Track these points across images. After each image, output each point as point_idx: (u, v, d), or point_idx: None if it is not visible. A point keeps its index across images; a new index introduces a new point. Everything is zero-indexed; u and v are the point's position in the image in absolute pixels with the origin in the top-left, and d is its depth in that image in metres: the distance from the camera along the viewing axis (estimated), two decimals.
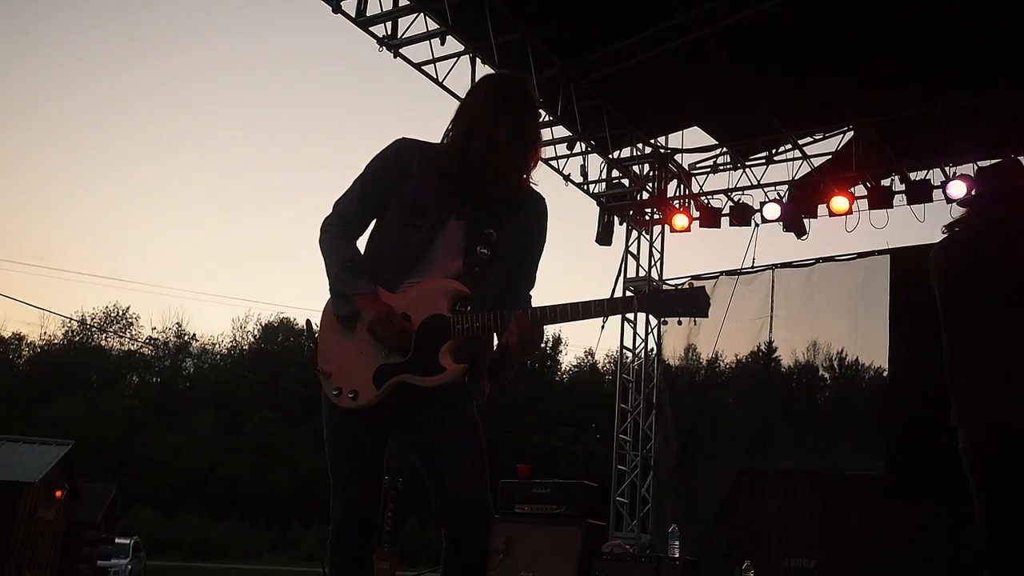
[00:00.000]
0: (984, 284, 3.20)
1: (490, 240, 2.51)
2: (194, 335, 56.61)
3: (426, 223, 2.52)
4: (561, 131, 8.65)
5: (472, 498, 2.42)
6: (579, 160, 8.94)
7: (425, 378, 2.43)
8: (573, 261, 74.50)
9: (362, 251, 2.63)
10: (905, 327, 7.96)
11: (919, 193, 7.90)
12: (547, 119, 8.32)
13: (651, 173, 9.38)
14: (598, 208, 9.27)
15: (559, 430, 46.60)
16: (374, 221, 2.64)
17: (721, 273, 8.85)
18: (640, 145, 9.32)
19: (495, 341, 2.53)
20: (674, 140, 9.35)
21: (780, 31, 7.56)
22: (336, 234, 2.59)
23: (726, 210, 8.94)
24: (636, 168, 9.43)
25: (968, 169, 7.83)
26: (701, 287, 2.39)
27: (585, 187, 9.17)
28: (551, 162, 8.80)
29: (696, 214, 9.08)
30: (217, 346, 56.23)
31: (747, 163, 9.11)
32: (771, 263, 8.64)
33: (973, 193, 3.57)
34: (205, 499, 43.46)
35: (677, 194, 9.36)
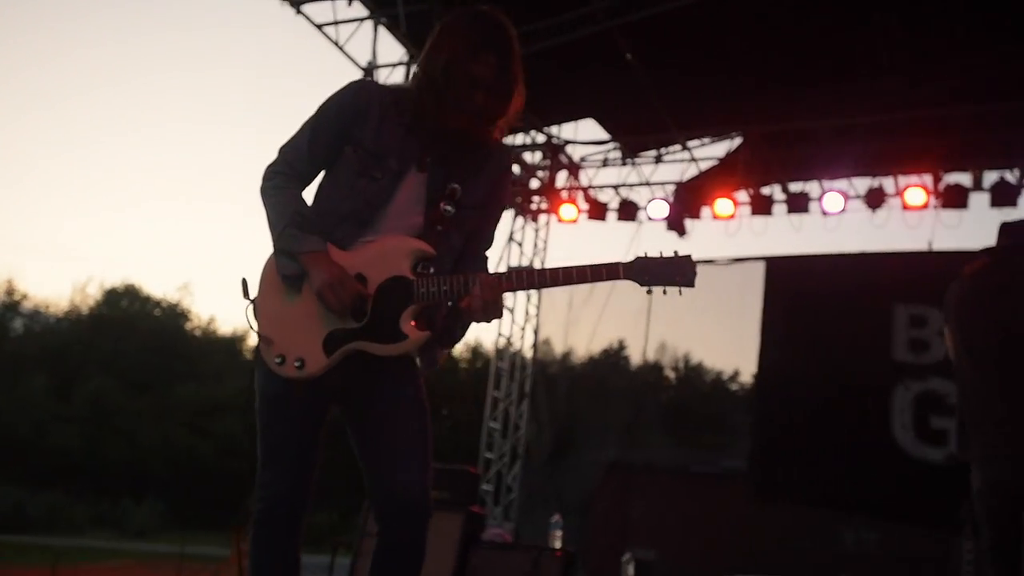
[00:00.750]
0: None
1: (455, 196, 2.31)
2: (25, 295, 52.73)
3: (386, 174, 2.30)
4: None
5: (415, 490, 2.24)
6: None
7: (384, 346, 2.22)
8: None
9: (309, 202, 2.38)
10: (777, 333, 8.32)
11: (798, 204, 8.21)
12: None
13: (542, 162, 9.37)
14: None
15: None
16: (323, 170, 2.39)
17: None
18: (533, 133, 9.28)
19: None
20: (567, 130, 9.39)
21: (685, 32, 7.68)
22: (282, 184, 2.34)
23: (614, 205, 9.03)
24: (527, 156, 9.39)
25: (844, 184, 8.22)
26: (688, 256, 2.23)
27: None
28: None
29: (584, 206, 9.13)
30: (52, 308, 52.63)
31: (636, 160, 9.24)
32: None
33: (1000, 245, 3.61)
34: (29, 468, 40.68)
35: (567, 185, 9.38)
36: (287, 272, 2.28)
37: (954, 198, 7.76)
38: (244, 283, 2.32)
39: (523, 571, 4.60)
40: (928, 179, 7.93)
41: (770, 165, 8.42)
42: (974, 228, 7.62)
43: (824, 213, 8.06)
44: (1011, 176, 7.73)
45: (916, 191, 7.84)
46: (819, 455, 7.53)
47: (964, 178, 7.86)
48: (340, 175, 2.34)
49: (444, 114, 2.25)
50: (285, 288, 2.29)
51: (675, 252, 2.23)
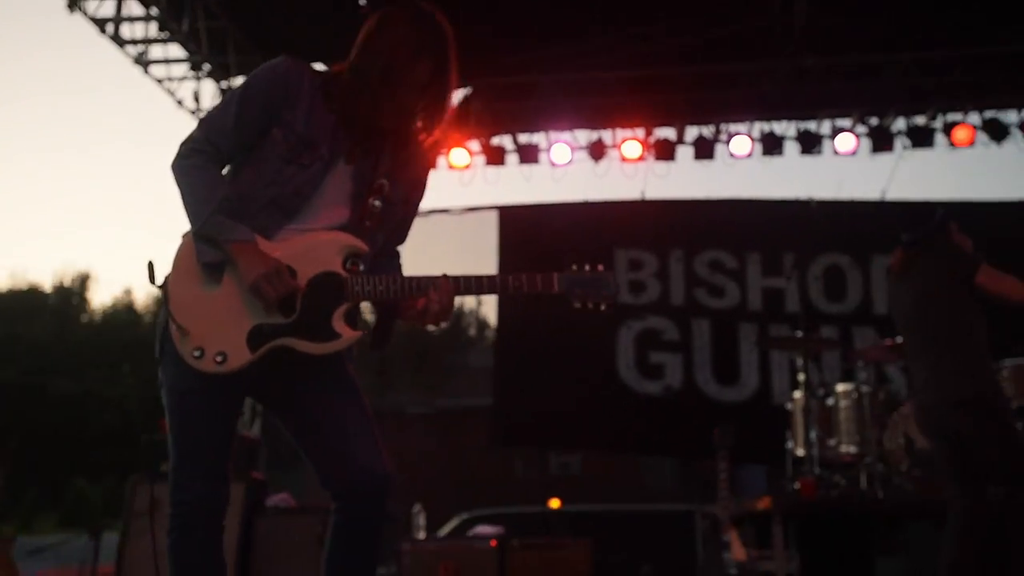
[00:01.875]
0: None
1: (383, 191, 2.24)
2: None
3: (315, 162, 2.18)
4: (180, 51, 7.76)
5: (380, 469, 2.19)
6: (194, 84, 8.13)
7: (315, 344, 2.13)
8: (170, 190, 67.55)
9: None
10: None
11: (528, 155, 8.54)
12: (166, 36, 7.44)
13: None
14: None
15: (89, 373, 42.64)
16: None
17: None
18: None
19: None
20: None
21: None
22: (203, 163, 2.15)
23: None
24: None
25: (568, 136, 8.67)
26: (611, 271, 2.35)
27: (197, 115, 8.37)
28: (164, 82, 7.87)
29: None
30: None
31: None
32: None
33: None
34: None
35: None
36: (207, 259, 2.14)
37: (663, 151, 8.49)
38: (151, 267, 2.11)
39: (315, 534, 4.48)
40: (641, 133, 8.58)
41: (500, 116, 8.64)
42: (680, 178, 8.43)
43: (552, 164, 8.46)
44: (707, 132, 8.59)
45: (631, 144, 8.48)
46: (554, 398, 7.99)
47: (670, 133, 8.60)
48: (265, 159, 2.19)
49: (379, 113, 2.18)
50: (203, 277, 2.14)
51: (599, 267, 2.33)
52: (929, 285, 4.17)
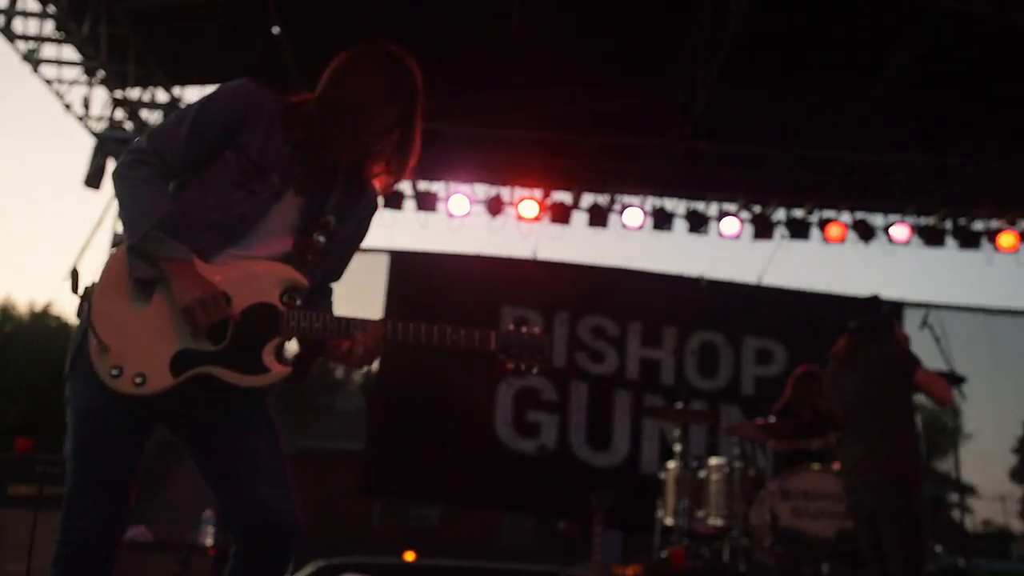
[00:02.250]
0: None
1: (328, 227, 2.18)
2: None
3: (265, 190, 2.12)
4: (75, 53, 7.43)
5: (290, 517, 2.10)
6: (85, 90, 7.79)
7: (242, 376, 2.05)
8: (55, 195, 63.32)
9: None
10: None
11: (426, 202, 8.55)
12: (61, 36, 7.13)
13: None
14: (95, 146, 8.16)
15: None
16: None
17: None
18: (156, 90, 8.45)
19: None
20: (193, 94, 8.70)
21: (336, 16, 7.57)
22: (149, 176, 2.06)
23: None
24: (145, 114, 8.52)
25: (467, 188, 8.73)
26: (546, 334, 2.33)
27: (85, 121, 8.01)
28: (54, 84, 7.51)
29: None
30: None
31: None
32: None
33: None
34: None
35: None
36: (140, 275, 2.04)
37: (558, 214, 8.67)
38: (75, 275, 2.02)
39: (172, 572, 4.24)
40: (539, 193, 8.74)
41: None
42: (573, 242, 8.62)
43: (449, 215, 8.50)
44: (602, 200, 8.84)
45: (529, 203, 8.62)
46: (428, 452, 7.88)
47: (567, 197, 8.80)
48: (213, 180, 2.12)
49: (340, 148, 2.15)
50: (131, 292, 2.04)
51: (535, 330, 2.31)
52: (874, 374, 4.53)
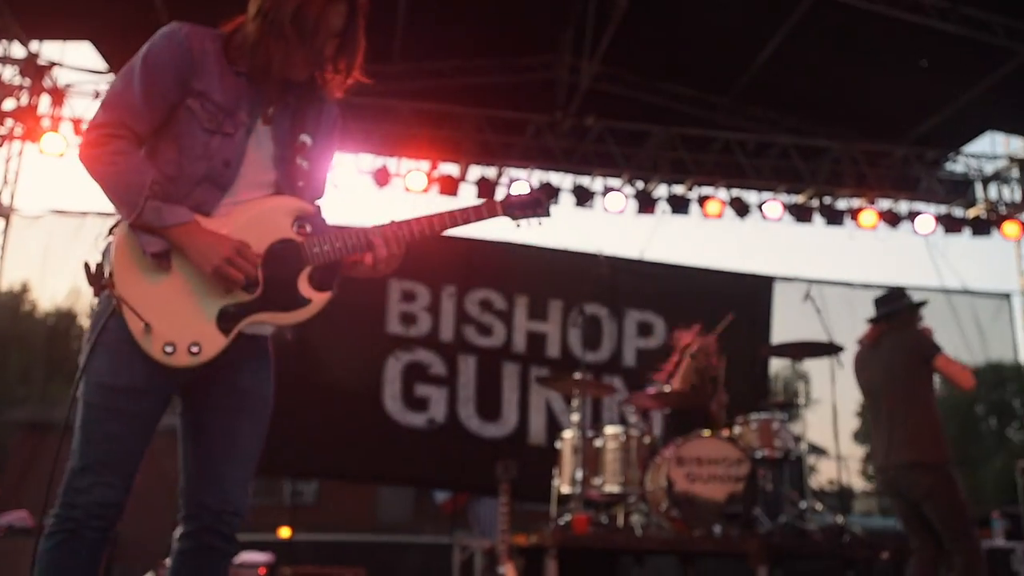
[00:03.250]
0: None
1: (305, 149, 2.14)
2: None
3: (238, 129, 2.04)
4: None
5: (240, 502, 2.09)
6: None
7: (288, 313, 2.06)
8: None
9: None
10: None
11: None
12: None
13: (21, 80, 7.95)
14: None
15: None
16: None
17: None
18: (10, 43, 7.84)
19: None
20: (53, 50, 8.12)
21: None
22: (123, 148, 1.96)
23: None
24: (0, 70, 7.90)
25: (352, 159, 8.55)
26: (543, 190, 2.42)
27: None
28: None
29: (75, 140, 8.00)
30: None
31: None
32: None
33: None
34: None
35: (50, 112, 8.11)
36: (155, 249, 1.96)
37: (446, 186, 8.63)
38: (90, 268, 1.97)
39: None
40: (426, 165, 8.67)
41: None
42: None
43: (334, 185, 8.30)
44: (490, 173, 8.86)
45: (416, 175, 8.54)
46: (312, 429, 7.69)
47: (455, 169, 8.77)
48: (184, 133, 2.02)
49: (292, 64, 2.05)
50: (146, 268, 1.97)
51: (533, 190, 2.33)
52: (895, 359, 4.84)
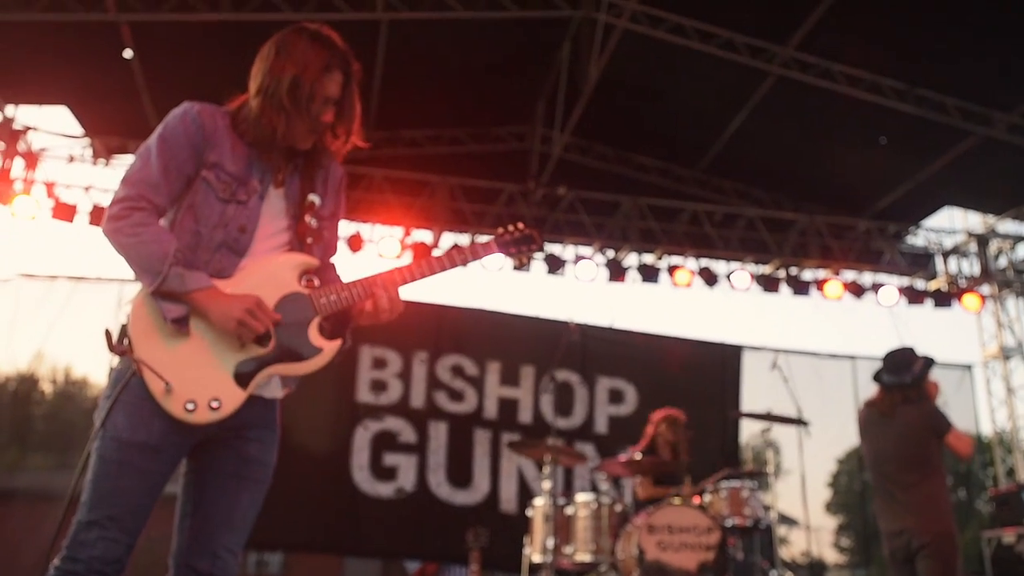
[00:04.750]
0: None
1: (315, 208, 2.25)
2: None
3: (251, 196, 2.16)
4: None
5: (227, 570, 2.12)
6: None
7: (302, 364, 2.14)
8: None
9: None
10: None
11: None
12: None
13: None
14: None
15: None
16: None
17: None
18: None
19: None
20: (28, 115, 8.18)
21: (195, 46, 7.34)
22: (145, 220, 2.06)
23: (85, 208, 8.10)
24: None
25: None
26: (536, 229, 2.51)
27: None
28: None
29: (49, 203, 8.01)
30: None
31: (112, 162, 8.44)
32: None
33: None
34: None
35: (24, 176, 8.12)
36: (175, 315, 2.07)
37: (420, 253, 8.70)
38: (110, 335, 2.04)
39: None
40: (400, 232, 8.75)
41: None
42: (433, 281, 8.62)
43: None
44: (463, 241, 8.96)
45: (389, 242, 8.61)
46: (283, 499, 7.54)
47: (428, 237, 8.86)
48: (201, 203, 2.14)
49: (293, 133, 2.18)
50: (163, 333, 2.08)
51: (520, 225, 2.47)
52: (910, 431, 4.84)
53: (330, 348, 2.17)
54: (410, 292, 2.31)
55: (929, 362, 5.06)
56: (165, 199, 2.13)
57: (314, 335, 2.17)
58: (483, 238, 8.93)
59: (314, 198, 2.27)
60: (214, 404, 2.05)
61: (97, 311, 7.82)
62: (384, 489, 7.98)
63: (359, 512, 7.84)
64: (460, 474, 8.16)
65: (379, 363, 8.35)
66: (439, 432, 8.30)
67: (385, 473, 8.02)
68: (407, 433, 8.21)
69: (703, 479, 5.94)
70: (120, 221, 2.07)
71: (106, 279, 8.07)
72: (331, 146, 2.28)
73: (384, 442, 8.11)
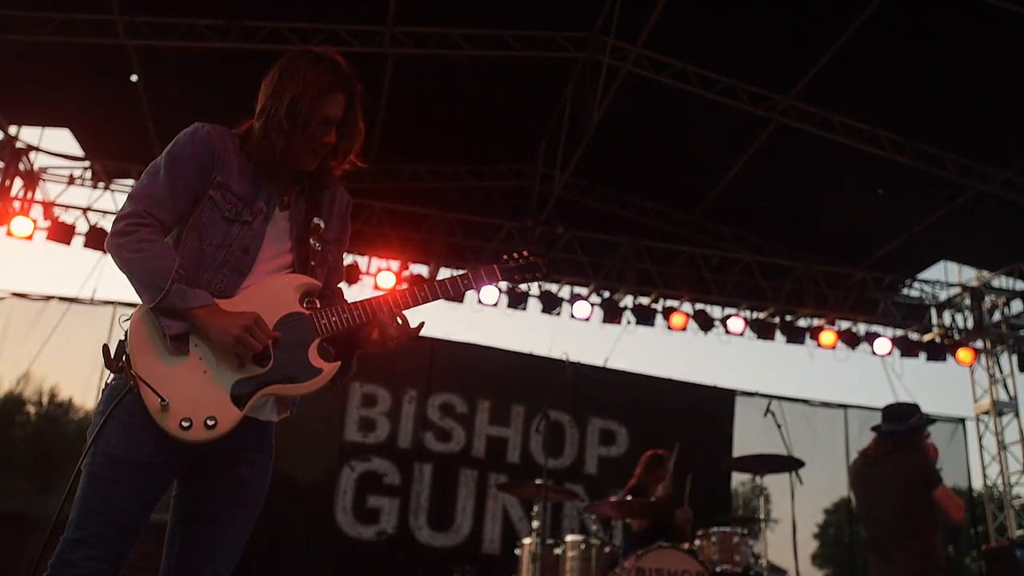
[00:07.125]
0: None
1: (319, 231, 2.25)
2: None
3: (256, 217, 2.16)
4: None
5: None
6: None
7: (298, 385, 2.10)
8: None
9: None
10: None
11: None
12: None
13: None
14: None
15: None
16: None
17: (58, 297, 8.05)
18: None
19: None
20: (31, 135, 8.21)
21: (201, 73, 7.40)
22: (149, 236, 2.05)
23: (82, 229, 8.08)
24: None
25: None
26: (539, 257, 2.52)
27: None
28: None
29: (44, 224, 7.99)
30: None
31: (112, 187, 8.45)
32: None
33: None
34: None
35: (21, 196, 8.11)
36: (174, 332, 2.04)
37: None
38: (108, 351, 2.03)
39: None
40: (396, 265, 8.75)
41: None
42: (427, 316, 8.57)
43: None
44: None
45: (386, 275, 8.60)
46: (264, 538, 7.38)
47: (424, 270, 8.86)
48: (206, 223, 2.13)
49: (293, 153, 2.18)
50: (162, 350, 2.05)
51: (524, 253, 2.48)
52: (898, 485, 4.79)
53: (329, 369, 2.14)
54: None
55: (927, 418, 5.06)
56: (171, 215, 2.12)
57: (314, 356, 2.14)
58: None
59: (319, 221, 2.27)
60: (210, 423, 2.02)
61: (89, 334, 7.75)
62: (365, 532, 7.90)
63: (340, 554, 7.76)
64: (441, 517, 8.08)
65: (369, 400, 8.30)
66: (424, 474, 8.23)
67: (368, 515, 7.94)
68: (392, 475, 8.14)
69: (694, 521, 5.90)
70: (125, 237, 2.05)
71: (99, 302, 8.00)
72: (337, 169, 2.28)
73: (369, 483, 8.04)
